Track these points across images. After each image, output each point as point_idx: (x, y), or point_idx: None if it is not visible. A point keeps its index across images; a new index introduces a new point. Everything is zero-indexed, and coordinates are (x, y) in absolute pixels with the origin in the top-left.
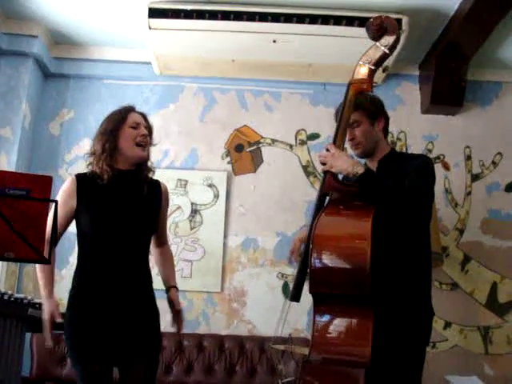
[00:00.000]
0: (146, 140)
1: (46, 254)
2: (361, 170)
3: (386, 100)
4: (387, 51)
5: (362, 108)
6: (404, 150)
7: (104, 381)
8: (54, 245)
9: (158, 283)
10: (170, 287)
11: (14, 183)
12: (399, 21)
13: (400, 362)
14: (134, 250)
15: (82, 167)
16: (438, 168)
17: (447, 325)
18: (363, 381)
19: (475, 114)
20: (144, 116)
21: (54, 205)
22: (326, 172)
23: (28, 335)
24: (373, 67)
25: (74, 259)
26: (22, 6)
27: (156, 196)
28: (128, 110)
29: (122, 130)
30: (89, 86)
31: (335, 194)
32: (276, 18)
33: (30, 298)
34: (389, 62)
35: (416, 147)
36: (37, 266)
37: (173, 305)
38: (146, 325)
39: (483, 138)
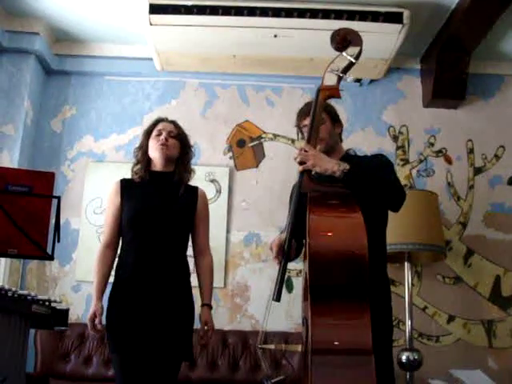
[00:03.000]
0: (165, 143)
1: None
2: (347, 166)
3: (387, 94)
4: (353, 60)
5: (327, 109)
6: (406, 144)
7: (135, 370)
8: (57, 240)
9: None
10: (202, 305)
11: (17, 180)
12: (400, 14)
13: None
14: (167, 243)
15: (84, 164)
16: (441, 162)
17: (451, 318)
18: (374, 367)
19: (477, 108)
20: (173, 122)
21: (56, 201)
22: (302, 172)
23: (32, 331)
24: (341, 75)
25: (76, 256)
26: (24, 3)
27: (192, 198)
28: (157, 122)
29: (149, 141)
30: (90, 82)
31: (313, 193)
32: (277, 12)
33: (33, 294)
34: (362, 66)
35: (418, 141)
36: (93, 267)
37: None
38: (180, 319)
39: (485, 132)
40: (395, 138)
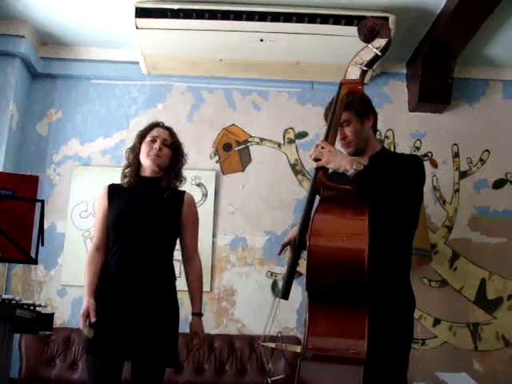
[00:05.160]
0: (158, 152)
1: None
2: (360, 167)
3: (373, 98)
4: (379, 53)
5: (350, 107)
6: (392, 148)
7: (110, 374)
8: (41, 244)
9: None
10: (192, 314)
11: (0, 183)
12: (386, 19)
13: (385, 358)
14: (149, 247)
15: (70, 167)
16: (426, 165)
17: (436, 322)
18: (362, 377)
19: (462, 112)
20: (169, 130)
21: (40, 204)
22: (317, 169)
23: (16, 336)
24: (365, 68)
25: (62, 260)
26: (9, 6)
27: (177, 203)
28: (152, 126)
29: (143, 145)
30: (76, 86)
31: (327, 192)
32: (263, 16)
33: (18, 298)
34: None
35: (404, 145)
36: (83, 270)
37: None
38: (163, 324)
39: (471, 136)
40: (381, 142)
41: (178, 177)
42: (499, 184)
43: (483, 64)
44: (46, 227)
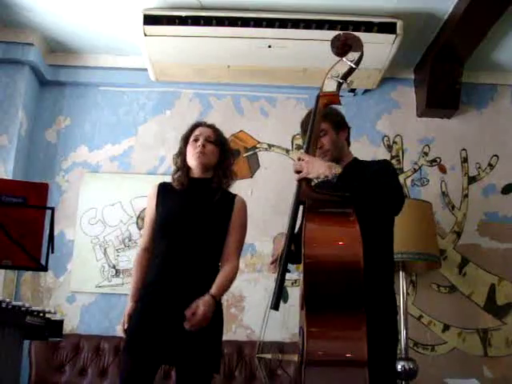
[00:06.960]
0: (201, 150)
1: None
2: (339, 170)
3: (381, 104)
4: (354, 66)
5: (328, 118)
6: (400, 154)
7: (140, 376)
8: (51, 251)
9: None
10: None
11: (11, 191)
12: (394, 24)
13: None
14: (196, 249)
15: (79, 174)
16: (435, 171)
17: (446, 328)
18: (368, 379)
19: (471, 117)
20: (212, 127)
21: (50, 212)
22: (300, 180)
23: (26, 343)
24: (341, 81)
25: (71, 266)
26: (18, 14)
27: (228, 207)
28: (194, 127)
29: (188, 146)
30: (85, 93)
31: (313, 202)
32: (271, 23)
33: (27, 305)
34: (354, 76)
35: (412, 150)
36: (133, 267)
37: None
38: (206, 328)
39: (479, 141)
40: (389, 148)
41: (228, 175)
42: (508, 189)
43: (491, 69)
44: (55, 234)
